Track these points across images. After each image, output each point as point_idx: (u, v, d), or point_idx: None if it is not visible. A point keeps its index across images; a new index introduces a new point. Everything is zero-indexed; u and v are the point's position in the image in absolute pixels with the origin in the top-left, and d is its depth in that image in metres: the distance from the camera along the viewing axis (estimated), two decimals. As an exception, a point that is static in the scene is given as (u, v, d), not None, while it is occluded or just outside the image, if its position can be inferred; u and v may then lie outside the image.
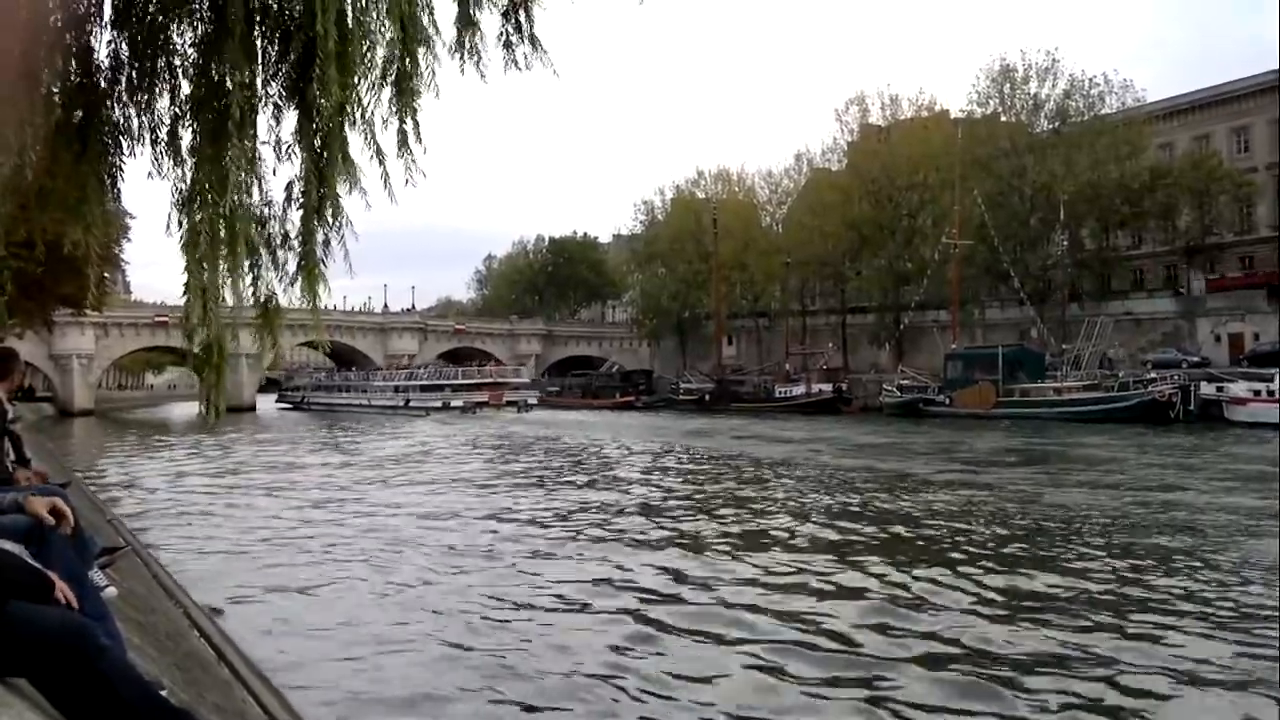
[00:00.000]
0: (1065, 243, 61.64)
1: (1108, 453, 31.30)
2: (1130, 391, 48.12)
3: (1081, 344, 55.06)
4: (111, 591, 5.77)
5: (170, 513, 19.49)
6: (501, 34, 4.95)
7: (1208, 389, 46.49)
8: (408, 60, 4.63)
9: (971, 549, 14.38)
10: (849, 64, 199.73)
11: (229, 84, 4.27)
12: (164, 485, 25.16)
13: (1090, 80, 65.06)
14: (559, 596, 11.82)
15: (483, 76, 4.90)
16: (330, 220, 4.76)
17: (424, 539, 16.32)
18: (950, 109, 73.55)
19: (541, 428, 52.02)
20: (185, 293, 4.56)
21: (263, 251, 4.91)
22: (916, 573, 12.54)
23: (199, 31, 4.36)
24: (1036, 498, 20.11)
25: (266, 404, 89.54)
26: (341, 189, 4.72)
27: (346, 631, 10.11)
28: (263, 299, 4.97)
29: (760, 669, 8.66)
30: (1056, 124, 65.15)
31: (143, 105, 4.71)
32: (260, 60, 4.59)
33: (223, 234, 4.57)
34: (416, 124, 4.80)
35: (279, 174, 4.85)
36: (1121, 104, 64.93)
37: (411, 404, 75.61)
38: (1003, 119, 67.94)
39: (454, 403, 73.75)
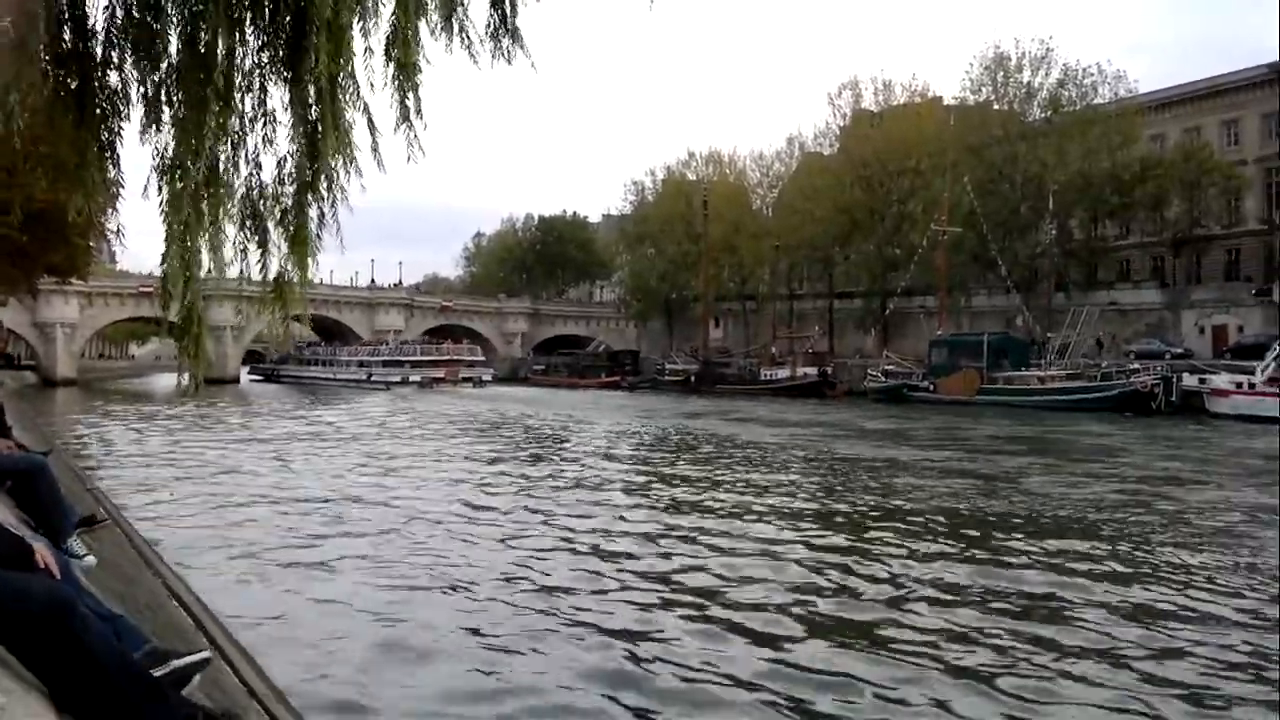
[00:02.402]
0: (1054, 231, 61.79)
1: (1090, 440, 31.54)
2: (1113, 381, 48.37)
3: (1067, 333, 55.29)
4: (90, 560, 5.80)
5: (151, 483, 19.41)
6: (489, 24, 4.93)
7: (1190, 380, 46.77)
8: (409, 34, 4.60)
9: (953, 537, 14.38)
10: (843, 48, 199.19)
11: (216, 51, 4.24)
12: (145, 455, 25.10)
13: (1084, 70, 65.03)
14: (539, 562, 11.97)
15: (474, 59, 4.88)
16: (324, 194, 4.74)
17: (405, 508, 16.47)
18: (943, 95, 73.62)
19: (522, 405, 52.21)
20: (163, 261, 4.54)
21: (270, 226, 4.89)
22: (898, 562, 12.59)
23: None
24: (1020, 486, 20.14)
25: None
26: (336, 163, 4.70)
27: (325, 602, 10.14)
28: (258, 273, 4.96)
29: (764, 658, 8.72)
30: (1049, 113, 65.09)
31: (138, 71, 4.68)
32: (252, 29, 4.56)
33: (205, 204, 4.55)
34: (418, 99, 4.78)
35: (278, 146, 4.82)
36: (1114, 94, 64.90)
37: (373, 378, 79.78)
38: (995, 107, 67.85)
39: (412, 378, 77.44)
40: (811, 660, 8.45)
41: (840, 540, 14.05)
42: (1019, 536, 14.35)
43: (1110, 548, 13.52)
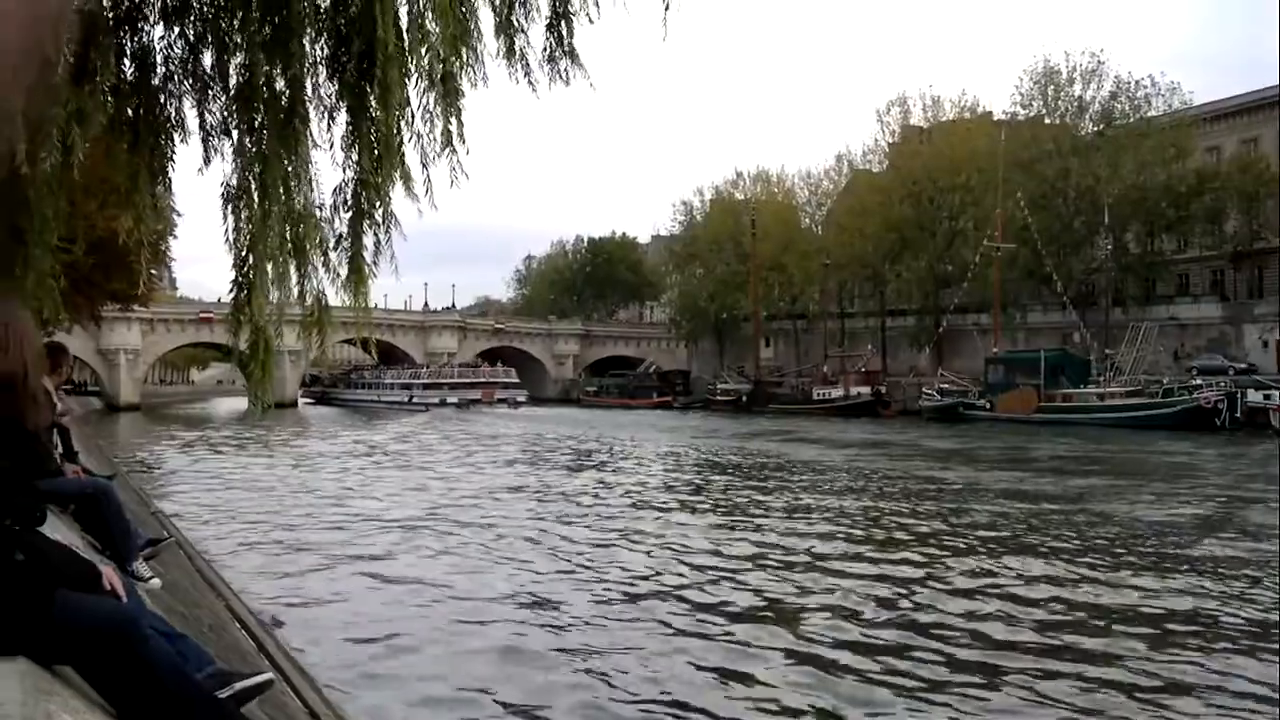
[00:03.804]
0: (1109, 246, 60.73)
1: (1159, 460, 30.83)
2: (1175, 398, 47.35)
3: (1125, 349, 54.26)
4: (155, 583, 5.87)
5: (214, 505, 19.68)
6: (545, 47, 4.96)
7: (1254, 396, 45.69)
8: (454, 59, 4.63)
9: (1040, 561, 13.91)
10: (891, 65, 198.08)
11: (280, 83, 4.30)
12: (208, 478, 25.45)
13: (1136, 82, 64.22)
14: (608, 588, 11.97)
15: (533, 89, 4.89)
16: (380, 223, 4.79)
17: (466, 528, 16.60)
18: (993, 110, 72.99)
19: (572, 426, 52.32)
20: (231, 289, 4.61)
21: (314, 252, 4.94)
22: (969, 579, 12.44)
23: (252, 29, 4.39)
24: (1098, 509, 19.34)
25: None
26: (395, 192, 4.74)
27: (386, 624, 10.15)
28: (311, 299, 5.00)
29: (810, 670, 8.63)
30: (1101, 126, 64.22)
31: (195, 101, 4.76)
32: (316, 61, 4.63)
33: (272, 232, 4.61)
34: (461, 124, 4.80)
35: (332, 175, 4.88)
36: (1168, 106, 63.92)
37: (414, 400, 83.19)
38: (1046, 121, 67.10)
39: (450, 399, 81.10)
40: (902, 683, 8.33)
41: (939, 563, 13.67)
42: (1100, 557, 14.06)
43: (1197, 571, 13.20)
